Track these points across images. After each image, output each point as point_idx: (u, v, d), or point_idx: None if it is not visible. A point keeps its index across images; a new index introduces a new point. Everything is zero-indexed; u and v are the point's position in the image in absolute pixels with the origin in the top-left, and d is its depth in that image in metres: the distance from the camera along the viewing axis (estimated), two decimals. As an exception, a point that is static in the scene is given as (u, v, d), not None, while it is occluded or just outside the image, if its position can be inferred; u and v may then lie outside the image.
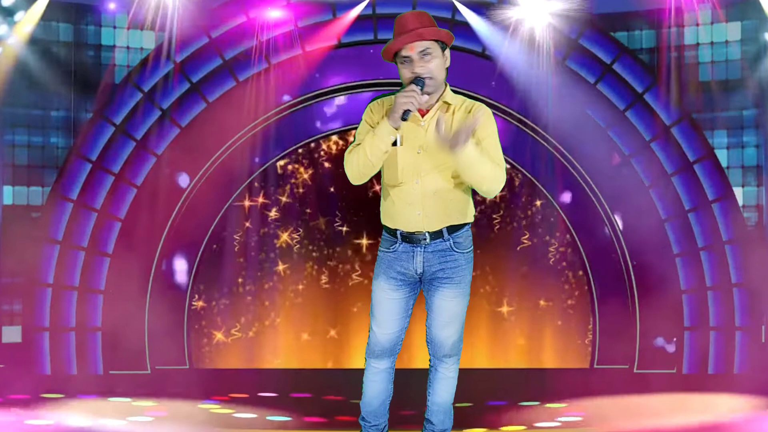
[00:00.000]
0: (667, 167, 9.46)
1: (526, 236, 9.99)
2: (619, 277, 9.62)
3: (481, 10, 9.42)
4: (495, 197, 9.91)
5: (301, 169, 10.03)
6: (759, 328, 9.19)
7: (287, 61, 9.59)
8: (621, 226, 9.59)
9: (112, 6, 9.51)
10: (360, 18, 9.51)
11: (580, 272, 9.87)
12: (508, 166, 9.90)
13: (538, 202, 9.96)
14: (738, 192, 9.42)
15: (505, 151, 9.98)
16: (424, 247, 4.28)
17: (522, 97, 9.54)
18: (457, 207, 4.28)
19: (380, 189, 4.41)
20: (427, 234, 4.26)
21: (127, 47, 9.53)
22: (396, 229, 4.30)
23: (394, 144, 4.18)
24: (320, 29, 9.57)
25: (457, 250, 4.29)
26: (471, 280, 4.37)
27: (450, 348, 4.40)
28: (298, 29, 9.56)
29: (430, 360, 4.49)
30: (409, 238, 4.28)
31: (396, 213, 4.28)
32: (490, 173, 4.12)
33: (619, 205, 9.57)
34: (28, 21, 9.02)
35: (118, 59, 9.53)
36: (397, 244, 4.31)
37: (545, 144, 9.66)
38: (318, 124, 9.88)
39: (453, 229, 4.28)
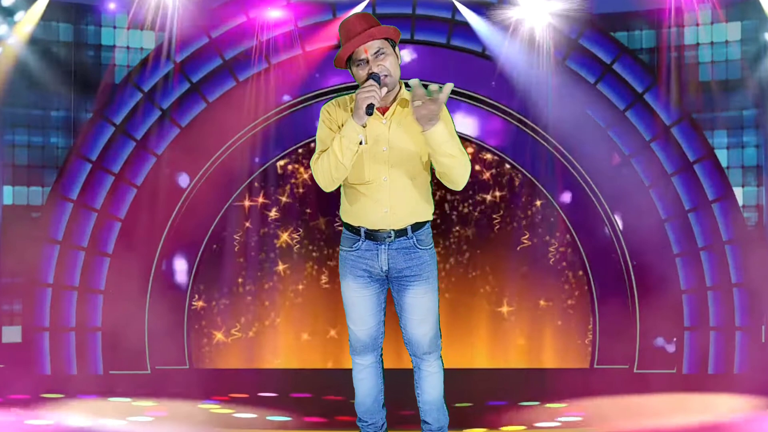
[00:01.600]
0: (667, 167, 9.46)
1: (526, 236, 9.99)
2: (619, 277, 9.61)
3: (481, 10, 9.42)
4: (495, 197, 9.91)
5: (301, 169, 10.04)
6: (759, 328, 9.19)
7: (287, 61, 9.60)
8: (621, 226, 9.59)
9: (112, 6, 9.51)
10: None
11: (580, 272, 9.87)
12: (508, 166, 9.91)
13: (538, 202, 9.96)
14: (738, 192, 9.42)
15: (505, 151, 10.13)
16: (388, 245, 4.29)
17: (522, 97, 9.53)
18: (422, 204, 4.31)
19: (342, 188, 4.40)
20: (392, 232, 4.28)
21: (127, 47, 9.54)
22: (359, 227, 4.31)
23: (360, 143, 4.18)
24: (320, 29, 9.57)
25: (420, 247, 4.32)
26: (437, 275, 4.39)
27: (429, 345, 4.41)
28: (298, 29, 9.56)
29: (411, 361, 4.50)
30: (373, 236, 4.29)
31: (361, 211, 4.29)
32: (460, 155, 4.14)
33: (619, 205, 9.57)
34: (28, 21, 9.02)
35: (118, 59, 9.54)
36: (360, 242, 4.32)
37: (545, 144, 9.66)
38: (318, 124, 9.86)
39: (416, 226, 4.31)
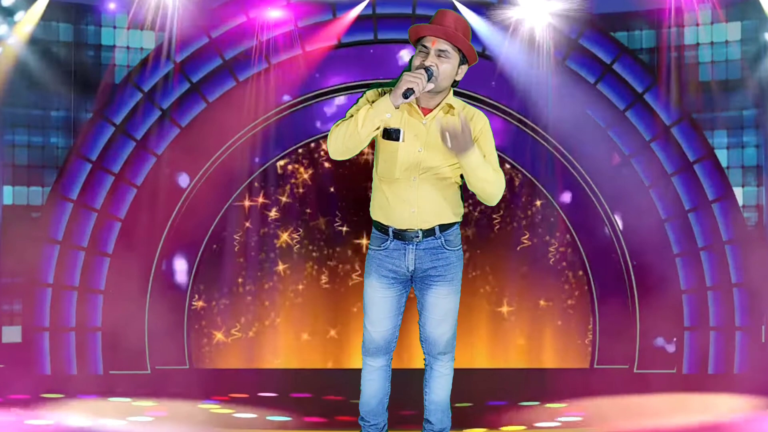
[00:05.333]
0: (667, 167, 9.46)
1: (526, 236, 9.99)
2: (619, 277, 9.62)
3: (481, 10, 9.42)
4: (495, 197, 9.91)
5: (301, 169, 10.04)
6: (759, 328, 9.19)
7: (287, 61, 9.59)
8: (621, 226, 9.59)
9: (112, 6, 9.51)
10: (360, 18, 9.51)
11: (580, 272, 9.87)
12: (508, 166, 9.91)
13: (538, 202, 9.96)
14: (738, 192, 9.42)
15: (505, 151, 10.14)
16: (416, 245, 4.29)
17: (522, 97, 9.53)
18: (449, 206, 4.31)
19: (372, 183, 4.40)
20: (419, 231, 4.27)
21: (127, 47, 9.53)
22: (388, 226, 4.31)
23: (397, 139, 4.18)
24: (320, 29, 9.57)
25: (448, 248, 4.31)
26: (461, 277, 4.39)
27: (445, 345, 4.41)
28: (298, 29, 9.56)
29: (424, 359, 4.50)
30: (401, 236, 4.29)
31: (389, 209, 4.29)
32: (493, 177, 4.18)
33: (619, 205, 9.58)
34: (28, 21, 9.02)
35: (118, 59, 9.53)
36: (389, 242, 4.32)
37: (545, 144, 9.66)
38: (318, 124, 9.88)
39: (444, 227, 4.31)
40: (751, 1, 9.13)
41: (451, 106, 4.26)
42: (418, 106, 4.24)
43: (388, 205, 4.29)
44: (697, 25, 9.45)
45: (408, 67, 4.20)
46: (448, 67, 4.17)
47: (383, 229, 4.34)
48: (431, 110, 4.25)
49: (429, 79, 4.08)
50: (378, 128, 4.15)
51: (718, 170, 9.39)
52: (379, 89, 4.29)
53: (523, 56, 9.39)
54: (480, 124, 4.27)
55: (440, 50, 4.15)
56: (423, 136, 4.22)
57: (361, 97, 4.29)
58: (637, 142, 9.51)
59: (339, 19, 9.53)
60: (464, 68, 4.25)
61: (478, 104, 9.66)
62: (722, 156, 9.49)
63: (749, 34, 9.37)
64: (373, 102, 4.19)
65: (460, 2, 9.41)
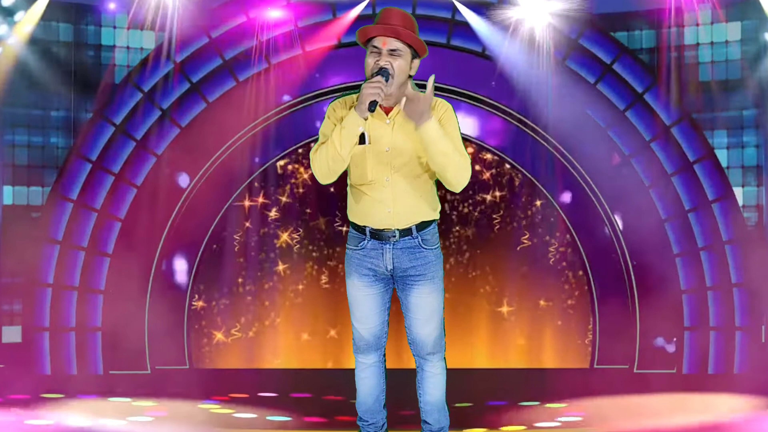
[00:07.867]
0: (667, 167, 9.46)
1: (526, 236, 9.99)
2: (619, 277, 9.61)
3: (481, 10, 9.42)
4: (495, 197, 9.91)
5: (301, 169, 10.04)
6: (759, 328, 9.19)
7: (287, 61, 9.60)
8: (621, 226, 9.59)
9: (112, 6, 9.51)
10: (360, 18, 9.50)
11: (580, 272, 9.87)
12: (508, 166, 9.91)
13: (538, 202, 9.96)
14: (738, 192, 9.42)
15: (505, 151, 10.14)
16: (393, 244, 4.29)
17: (522, 97, 9.54)
18: (426, 203, 4.32)
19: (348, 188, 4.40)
20: (396, 231, 4.28)
21: (127, 47, 9.54)
22: (365, 226, 4.31)
23: (363, 142, 4.19)
24: (320, 29, 9.57)
25: (425, 247, 4.32)
26: (443, 275, 4.40)
27: (433, 345, 4.40)
28: (298, 29, 9.56)
29: (415, 361, 4.49)
30: (378, 235, 4.29)
31: (366, 210, 4.29)
32: (454, 154, 4.13)
33: (619, 205, 9.58)
34: (28, 21, 9.02)
35: (118, 59, 9.54)
36: (366, 241, 4.32)
37: (545, 144, 9.66)
38: (318, 124, 9.85)
39: (421, 226, 4.32)
40: (751, 1, 9.13)
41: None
42: (380, 106, 4.25)
43: (364, 207, 4.29)
44: (697, 25, 9.45)
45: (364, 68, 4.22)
46: (402, 63, 4.18)
47: (360, 228, 4.34)
48: (392, 108, 4.26)
49: (387, 81, 4.10)
50: (356, 143, 4.15)
51: (718, 170, 9.39)
52: (342, 98, 4.32)
53: (523, 56, 9.40)
54: (442, 110, 4.27)
55: (391, 49, 4.17)
56: (389, 135, 4.24)
57: (327, 109, 4.31)
58: (637, 142, 9.52)
59: (339, 19, 9.53)
60: (417, 62, 4.26)
61: (478, 104, 9.68)
62: (722, 156, 9.49)
63: (749, 34, 9.38)
64: (341, 116, 4.21)
65: (460, 2, 9.41)
